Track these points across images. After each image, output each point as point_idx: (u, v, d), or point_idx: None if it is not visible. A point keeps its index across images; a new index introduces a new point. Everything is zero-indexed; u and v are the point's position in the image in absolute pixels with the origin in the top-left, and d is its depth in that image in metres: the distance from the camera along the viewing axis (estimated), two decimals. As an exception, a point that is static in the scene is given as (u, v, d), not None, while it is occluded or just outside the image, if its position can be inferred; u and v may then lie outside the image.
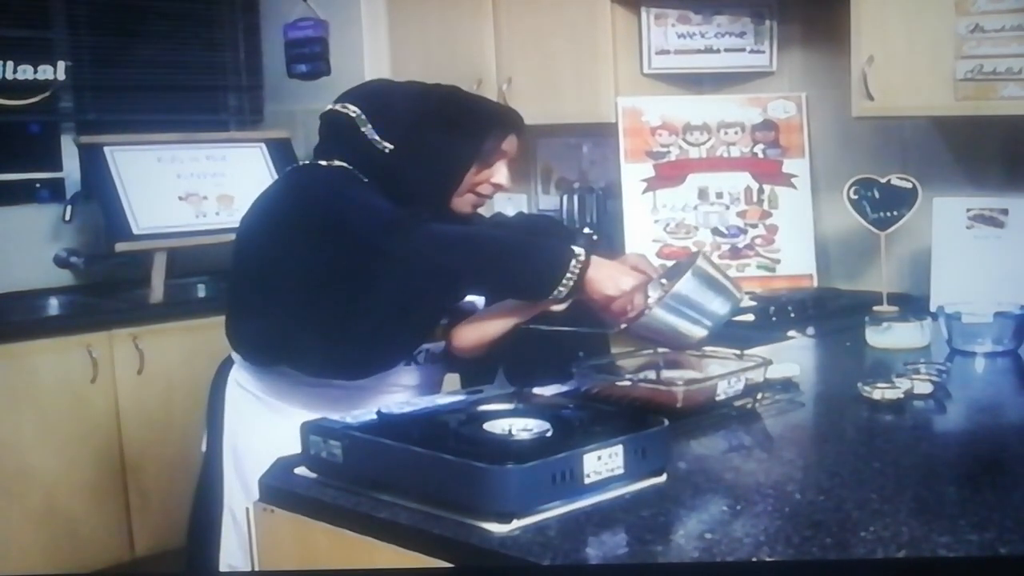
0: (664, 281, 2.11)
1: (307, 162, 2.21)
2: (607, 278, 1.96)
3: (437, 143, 2.11)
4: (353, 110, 2.13)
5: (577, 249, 1.96)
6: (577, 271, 1.93)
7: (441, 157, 2.11)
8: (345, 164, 2.11)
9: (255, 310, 2.15)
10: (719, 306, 1.99)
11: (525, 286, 2.00)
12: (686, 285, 1.96)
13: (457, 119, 2.15)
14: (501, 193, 2.27)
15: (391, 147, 2.10)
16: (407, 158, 2.10)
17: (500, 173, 2.18)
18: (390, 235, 1.96)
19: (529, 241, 2.06)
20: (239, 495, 2.13)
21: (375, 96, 2.20)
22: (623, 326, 2.03)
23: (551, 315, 2.06)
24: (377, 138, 2.10)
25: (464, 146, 2.13)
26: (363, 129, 2.11)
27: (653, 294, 2.07)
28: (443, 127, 2.13)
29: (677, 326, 1.97)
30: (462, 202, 2.17)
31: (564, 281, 1.93)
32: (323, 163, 2.14)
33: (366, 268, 2.00)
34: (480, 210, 2.32)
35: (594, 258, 1.97)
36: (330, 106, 2.18)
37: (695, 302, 1.97)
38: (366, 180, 2.10)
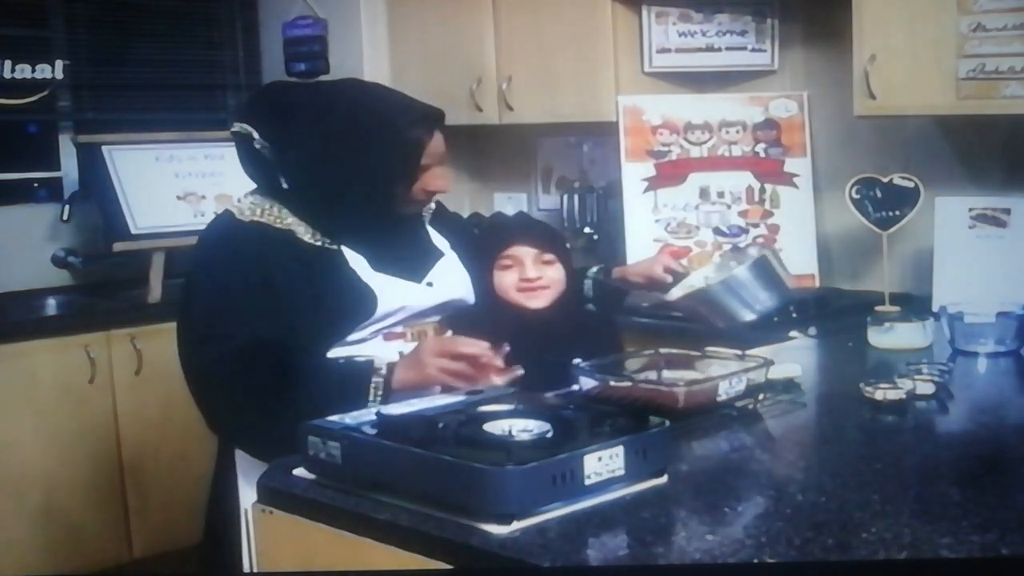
0: (708, 276, 2.32)
1: (231, 211, 2.08)
2: (416, 364, 1.96)
3: (338, 184, 1.99)
4: (249, 130, 2.05)
5: (377, 364, 1.96)
6: (382, 375, 1.95)
7: (346, 198, 1.99)
8: (260, 203, 2.04)
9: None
10: (769, 298, 2.23)
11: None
12: (746, 272, 2.18)
13: (360, 152, 1.98)
14: (500, 193, 2.25)
15: (290, 183, 2.00)
16: (310, 198, 2.00)
17: (434, 181, 2.07)
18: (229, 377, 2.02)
19: (327, 374, 2.00)
20: (252, 497, 2.11)
21: (270, 113, 2.08)
22: (674, 295, 2.27)
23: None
24: (276, 162, 2.01)
25: (374, 183, 2.00)
26: (263, 152, 2.03)
27: (709, 276, 2.31)
28: (343, 161, 1.98)
29: (728, 305, 2.18)
30: (403, 207, 2.08)
31: (374, 392, 1.95)
32: (241, 216, 2.04)
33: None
34: (481, 211, 2.29)
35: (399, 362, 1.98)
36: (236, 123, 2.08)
37: (751, 288, 2.19)
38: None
